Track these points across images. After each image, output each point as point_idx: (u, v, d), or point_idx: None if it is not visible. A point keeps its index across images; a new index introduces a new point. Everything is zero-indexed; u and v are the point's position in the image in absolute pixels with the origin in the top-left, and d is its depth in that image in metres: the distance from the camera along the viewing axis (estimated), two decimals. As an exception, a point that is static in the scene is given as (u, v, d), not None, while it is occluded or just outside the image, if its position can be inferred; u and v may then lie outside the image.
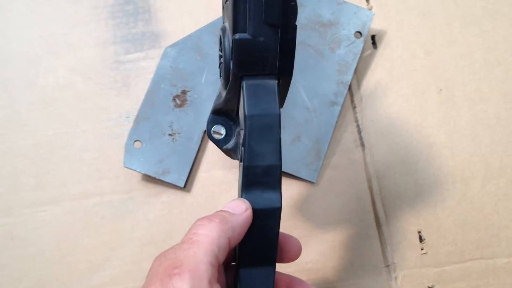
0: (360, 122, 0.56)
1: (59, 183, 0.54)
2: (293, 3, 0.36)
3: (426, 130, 0.55)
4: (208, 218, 0.34)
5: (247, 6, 0.35)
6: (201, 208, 0.53)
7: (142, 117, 0.53)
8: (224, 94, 0.41)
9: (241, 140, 0.39)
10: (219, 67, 0.42)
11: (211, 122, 0.46)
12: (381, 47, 0.57)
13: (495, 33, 0.57)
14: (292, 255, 0.40)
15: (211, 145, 0.54)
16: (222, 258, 0.33)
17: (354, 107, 0.56)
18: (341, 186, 0.54)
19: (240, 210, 0.35)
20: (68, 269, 0.53)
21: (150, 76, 0.55)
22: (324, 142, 0.54)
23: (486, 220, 0.54)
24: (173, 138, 0.53)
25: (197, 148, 0.54)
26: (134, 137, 0.52)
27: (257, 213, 0.36)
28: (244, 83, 0.37)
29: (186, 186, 0.54)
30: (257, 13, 0.35)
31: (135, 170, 0.52)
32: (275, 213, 0.37)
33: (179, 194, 0.54)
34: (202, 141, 0.54)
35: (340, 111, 0.55)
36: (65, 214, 0.53)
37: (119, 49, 0.57)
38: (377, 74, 0.56)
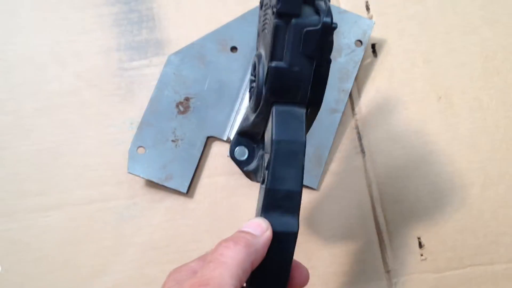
0: (360, 129, 0.57)
1: (62, 189, 0.55)
2: (330, 39, 0.38)
3: (425, 137, 0.56)
4: (234, 241, 0.35)
5: (286, 37, 0.37)
6: (204, 214, 0.54)
7: (146, 123, 0.54)
8: (252, 117, 0.43)
9: (263, 163, 0.41)
10: (250, 91, 0.44)
11: (235, 143, 0.47)
12: (381, 56, 0.58)
13: (494, 42, 0.58)
14: (299, 282, 0.41)
15: (213, 151, 0.55)
16: (244, 280, 0.34)
17: (354, 114, 0.57)
18: (341, 192, 0.55)
19: (261, 231, 0.36)
20: (71, 274, 0.53)
21: (154, 83, 0.56)
22: (325, 148, 0.55)
23: (485, 227, 0.55)
24: (176, 144, 0.54)
25: (199, 154, 0.55)
26: (138, 143, 0.53)
27: (274, 236, 0.37)
28: (274, 109, 0.39)
29: (189, 191, 0.55)
30: (295, 44, 0.37)
31: (138, 176, 0.53)
32: (291, 237, 0.38)
33: (181, 199, 0.55)
34: (204, 147, 0.55)
35: (341, 118, 0.56)
36: (68, 220, 0.54)
37: (123, 56, 0.58)
38: (377, 82, 0.57)
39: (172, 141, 0.54)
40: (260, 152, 0.47)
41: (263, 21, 0.43)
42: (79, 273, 0.53)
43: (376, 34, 0.58)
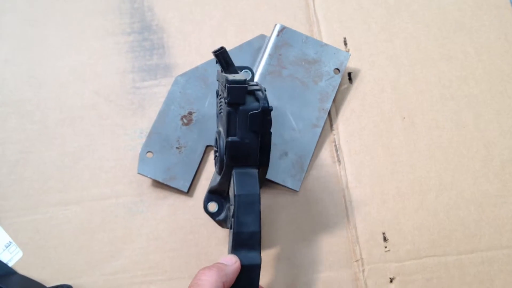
0: (337, 142, 0.62)
1: (80, 187, 0.60)
2: (269, 118, 0.48)
3: (391, 150, 0.61)
4: (209, 267, 0.44)
5: (237, 119, 0.47)
6: (201, 210, 0.58)
7: (154, 132, 0.60)
8: (218, 179, 0.52)
9: (230, 213, 0.50)
10: (214, 159, 0.53)
11: (207, 200, 0.56)
12: (356, 82, 0.64)
13: (449, 74, 0.64)
14: None
15: (211, 158, 0.61)
16: None
17: (332, 130, 0.62)
18: (320, 194, 0.60)
19: (231, 262, 0.45)
20: (85, 259, 0.58)
21: (162, 99, 0.62)
22: (307, 157, 0.61)
23: (439, 224, 0.59)
24: (180, 151, 0.60)
25: (199, 160, 0.60)
26: (147, 148, 0.60)
27: (243, 268, 0.46)
28: (234, 172, 0.49)
29: (189, 191, 0.60)
30: (244, 124, 0.47)
31: (146, 176, 0.59)
32: (256, 268, 0.47)
33: (183, 198, 0.60)
34: (204, 154, 0.60)
35: (321, 133, 0.61)
36: (84, 213, 0.59)
37: (136, 77, 0.64)
38: (352, 104, 0.63)
39: (177, 148, 0.60)
40: (227, 205, 0.55)
41: (219, 107, 0.52)
42: (93, 258, 0.58)
43: (351, 64, 0.64)
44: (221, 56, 0.49)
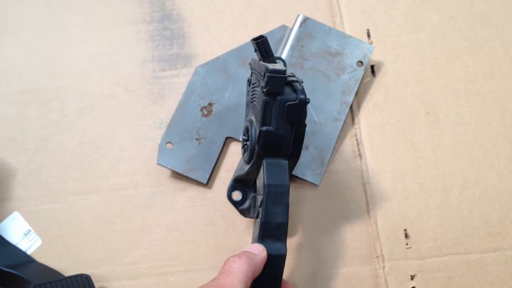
0: (358, 137, 0.61)
1: (99, 176, 0.60)
2: (305, 110, 0.48)
3: (414, 145, 0.61)
4: (239, 256, 0.44)
5: (273, 109, 0.47)
6: (220, 202, 0.59)
7: (174, 123, 0.60)
8: (246, 168, 0.52)
9: (256, 203, 0.51)
10: (243, 147, 0.54)
11: (231, 188, 0.57)
12: (379, 75, 0.63)
13: (475, 68, 0.63)
14: None
15: (231, 150, 0.61)
16: (248, 286, 0.43)
17: (354, 124, 0.62)
18: (340, 189, 0.60)
19: (258, 251, 0.46)
20: (104, 249, 0.58)
21: (182, 90, 0.61)
22: (328, 151, 0.60)
23: (462, 222, 0.58)
24: (199, 142, 0.60)
25: (219, 152, 0.60)
26: (167, 139, 0.59)
27: (268, 257, 0.46)
28: (264, 161, 0.49)
29: (208, 183, 0.60)
30: (280, 114, 0.47)
31: (166, 167, 0.59)
32: (281, 259, 0.47)
33: (201, 189, 0.60)
34: (223, 145, 0.60)
35: (342, 126, 0.61)
36: (103, 202, 0.59)
37: (156, 66, 0.64)
38: (375, 98, 0.62)
39: (196, 139, 0.60)
40: (252, 194, 0.56)
41: (252, 95, 0.53)
42: (111, 248, 0.58)
43: (375, 57, 0.63)
44: (262, 44, 0.49)
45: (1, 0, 0.66)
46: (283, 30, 0.63)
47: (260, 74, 0.48)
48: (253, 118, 0.51)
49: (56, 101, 0.63)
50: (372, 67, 0.64)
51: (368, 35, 0.65)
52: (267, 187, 0.47)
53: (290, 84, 0.48)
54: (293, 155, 0.50)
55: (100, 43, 0.65)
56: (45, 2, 0.66)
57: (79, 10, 0.66)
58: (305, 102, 0.47)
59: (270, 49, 0.50)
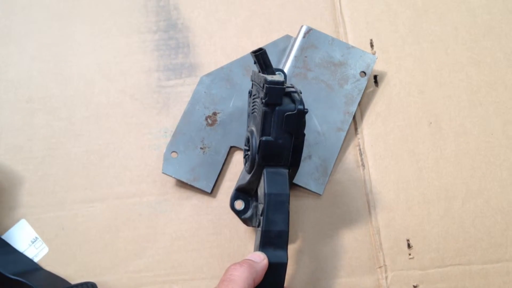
0: (361, 147, 0.62)
1: (105, 185, 0.61)
2: (303, 120, 0.49)
3: (417, 156, 0.61)
4: (240, 264, 0.45)
5: (272, 119, 0.48)
6: (224, 211, 0.59)
7: (179, 132, 0.60)
8: (248, 177, 0.53)
9: (258, 212, 0.51)
10: (244, 158, 0.54)
11: (234, 197, 0.57)
12: (382, 86, 0.63)
13: (478, 79, 0.63)
14: None
15: (235, 159, 0.61)
16: None
17: (357, 134, 0.62)
18: (343, 198, 0.60)
19: (260, 259, 0.46)
20: (110, 257, 0.58)
21: (187, 99, 0.62)
22: (331, 161, 0.61)
23: (465, 233, 0.59)
24: (204, 151, 0.60)
25: (223, 161, 0.60)
26: (172, 148, 0.60)
27: (270, 266, 0.47)
28: (265, 171, 0.50)
29: (213, 192, 0.60)
30: (279, 124, 0.48)
31: (170, 176, 0.59)
32: (282, 267, 0.48)
33: (206, 198, 0.60)
34: (228, 155, 0.61)
35: (345, 136, 0.61)
36: (109, 211, 0.60)
37: (162, 76, 0.64)
38: (378, 108, 0.63)
39: (201, 148, 0.60)
40: (254, 203, 0.56)
41: (252, 106, 0.53)
42: (116, 256, 0.58)
43: (378, 67, 0.63)
44: (261, 57, 0.50)
45: (8, 8, 0.66)
46: (287, 40, 0.64)
47: (260, 86, 0.49)
48: (253, 128, 0.52)
49: (63, 109, 0.63)
50: (375, 77, 0.64)
51: (372, 45, 0.65)
52: (268, 195, 0.48)
53: (289, 94, 0.49)
54: (293, 164, 0.51)
55: (107, 52, 0.65)
56: (52, 11, 0.66)
57: (86, 19, 0.66)
58: (303, 112, 0.48)
59: (269, 61, 0.51)
